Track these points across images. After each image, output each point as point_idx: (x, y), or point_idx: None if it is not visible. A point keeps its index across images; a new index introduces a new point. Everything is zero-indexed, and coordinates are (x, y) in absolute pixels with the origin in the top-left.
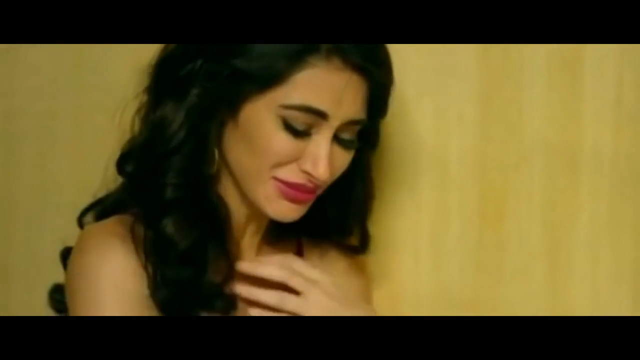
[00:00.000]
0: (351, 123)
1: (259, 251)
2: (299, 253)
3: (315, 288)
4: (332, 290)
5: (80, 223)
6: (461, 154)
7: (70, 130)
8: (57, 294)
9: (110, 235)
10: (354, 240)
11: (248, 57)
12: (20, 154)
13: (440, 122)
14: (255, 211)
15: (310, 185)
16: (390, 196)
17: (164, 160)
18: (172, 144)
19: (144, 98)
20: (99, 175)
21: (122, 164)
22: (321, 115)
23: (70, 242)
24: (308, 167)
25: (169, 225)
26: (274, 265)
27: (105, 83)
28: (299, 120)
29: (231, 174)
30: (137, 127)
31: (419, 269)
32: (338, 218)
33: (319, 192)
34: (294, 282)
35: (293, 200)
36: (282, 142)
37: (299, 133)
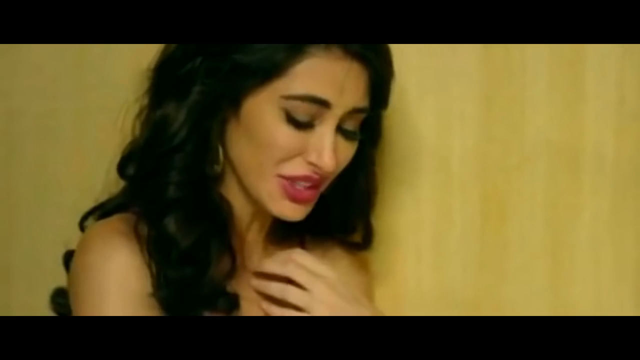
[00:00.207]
0: (354, 111)
1: (264, 249)
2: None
3: (320, 283)
4: (337, 286)
5: (82, 227)
6: (463, 153)
7: (71, 130)
8: (60, 298)
9: (114, 233)
10: (357, 238)
11: (247, 51)
12: (22, 154)
13: (443, 121)
14: (259, 209)
15: (315, 176)
16: (393, 195)
17: (166, 159)
18: (174, 142)
19: (144, 101)
20: (101, 175)
21: (123, 166)
22: (324, 104)
23: (73, 244)
24: (313, 158)
25: (170, 224)
26: (278, 260)
27: (106, 83)
28: (302, 111)
29: (235, 171)
30: (137, 131)
31: (421, 269)
32: (341, 214)
33: (322, 188)
34: (297, 277)
35: (295, 200)
36: (285, 134)
37: (302, 125)
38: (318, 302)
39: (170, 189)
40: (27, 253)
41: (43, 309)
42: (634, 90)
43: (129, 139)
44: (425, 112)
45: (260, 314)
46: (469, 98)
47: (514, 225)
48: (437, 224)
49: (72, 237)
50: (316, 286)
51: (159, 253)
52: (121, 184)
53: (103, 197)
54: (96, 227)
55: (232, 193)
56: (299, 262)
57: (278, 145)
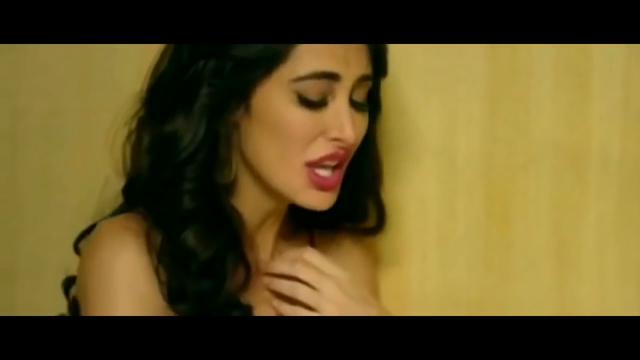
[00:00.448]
0: (362, 80)
1: (275, 248)
2: (312, 246)
3: (330, 282)
4: (346, 285)
5: (77, 249)
6: (469, 153)
7: (76, 129)
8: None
9: (123, 230)
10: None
11: (246, 45)
12: (26, 153)
13: (448, 122)
14: (271, 212)
15: (341, 152)
16: (397, 195)
17: (179, 170)
18: (187, 152)
19: (133, 125)
20: (105, 175)
21: (131, 188)
22: (334, 77)
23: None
24: (335, 133)
25: (189, 237)
26: (287, 260)
27: (111, 83)
28: (313, 90)
29: (257, 174)
30: (128, 154)
31: (426, 269)
32: (350, 199)
33: (344, 167)
34: (306, 276)
35: (323, 188)
36: (301, 117)
37: (315, 104)
38: (327, 301)
39: (185, 200)
40: (31, 252)
41: (47, 308)
42: (639, 90)
43: (119, 161)
44: (431, 112)
45: (271, 314)
46: (474, 98)
47: (519, 225)
48: (442, 224)
49: (76, 236)
50: (326, 286)
51: (177, 265)
52: (117, 202)
53: (104, 199)
54: (106, 223)
55: (242, 203)
56: (308, 261)
57: (296, 130)
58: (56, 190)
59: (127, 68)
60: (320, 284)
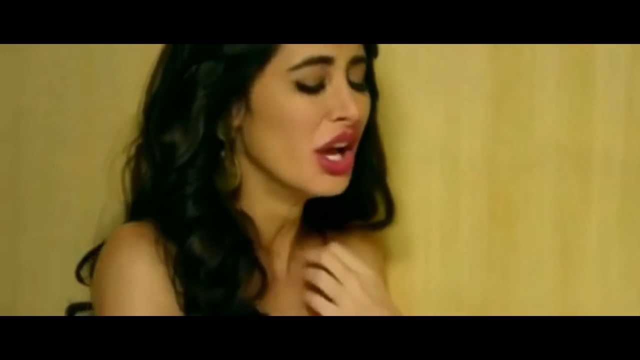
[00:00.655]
0: (355, 61)
1: (290, 255)
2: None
3: (354, 279)
4: (369, 285)
5: (79, 276)
6: (472, 154)
7: (79, 129)
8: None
9: (140, 238)
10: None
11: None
12: (29, 153)
13: (451, 122)
14: (285, 219)
15: (349, 131)
16: (401, 196)
17: (180, 175)
18: (188, 154)
19: (132, 151)
20: (108, 174)
21: (137, 202)
22: (328, 60)
23: (77, 244)
24: (338, 112)
25: (195, 244)
26: (315, 250)
27: (114, 82)
28: (310, 76)
29: (266, 170)
30: (128, 180)
31: (430, 270)
32: (357, 193)
33: (354, 149)
34: (332, 267)
35: (335, 172)
36: (302, 104)
37: (314, 89)
38: (348, 297)
39: (189, 206)
40: (34, 251)
41: (49, 308)
42: None
43: (119, 187)
44: (434, 113)
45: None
46: (478, 99)
47: (522, 226)
48: (445, 225)
49: (79, 236)
50: (349, 281)
51: (188, 274)
52: (116, 223)
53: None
54: (123, 229)
55: (253, 207)
56: (335, 253)
57: (300, 117)
58: (59, 190)
59: (129, 68)
60: (345, 279)
